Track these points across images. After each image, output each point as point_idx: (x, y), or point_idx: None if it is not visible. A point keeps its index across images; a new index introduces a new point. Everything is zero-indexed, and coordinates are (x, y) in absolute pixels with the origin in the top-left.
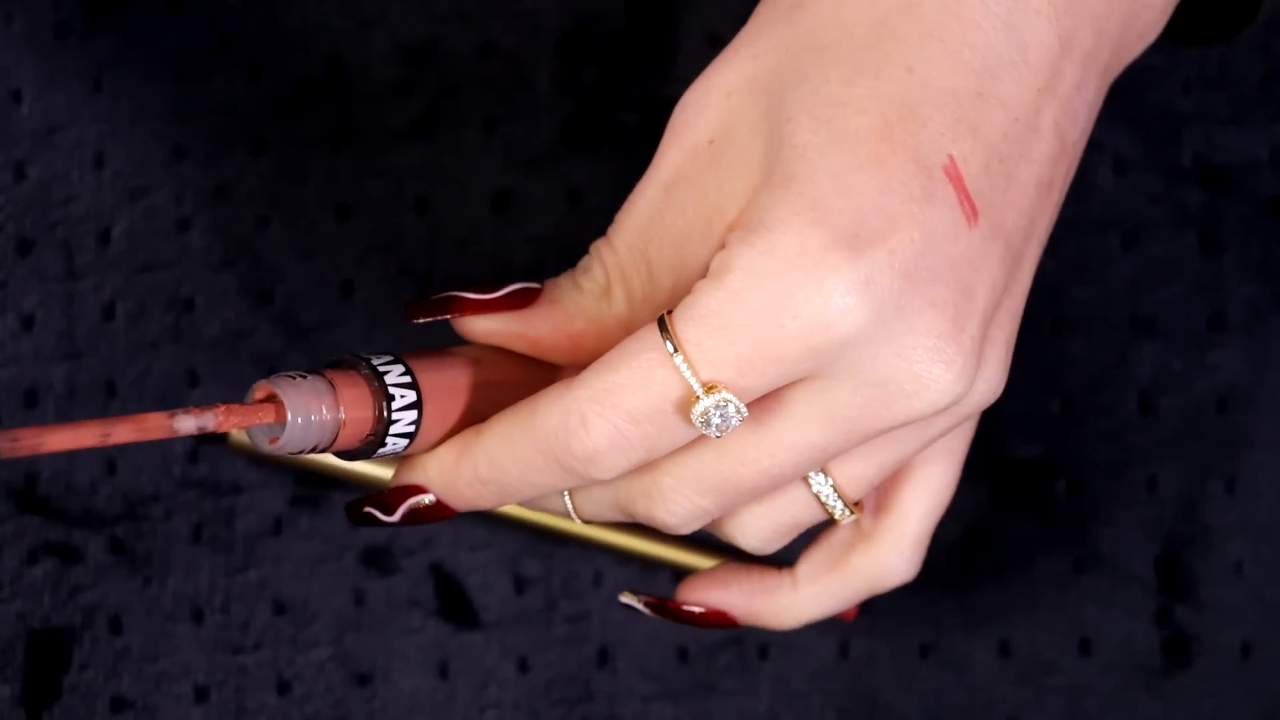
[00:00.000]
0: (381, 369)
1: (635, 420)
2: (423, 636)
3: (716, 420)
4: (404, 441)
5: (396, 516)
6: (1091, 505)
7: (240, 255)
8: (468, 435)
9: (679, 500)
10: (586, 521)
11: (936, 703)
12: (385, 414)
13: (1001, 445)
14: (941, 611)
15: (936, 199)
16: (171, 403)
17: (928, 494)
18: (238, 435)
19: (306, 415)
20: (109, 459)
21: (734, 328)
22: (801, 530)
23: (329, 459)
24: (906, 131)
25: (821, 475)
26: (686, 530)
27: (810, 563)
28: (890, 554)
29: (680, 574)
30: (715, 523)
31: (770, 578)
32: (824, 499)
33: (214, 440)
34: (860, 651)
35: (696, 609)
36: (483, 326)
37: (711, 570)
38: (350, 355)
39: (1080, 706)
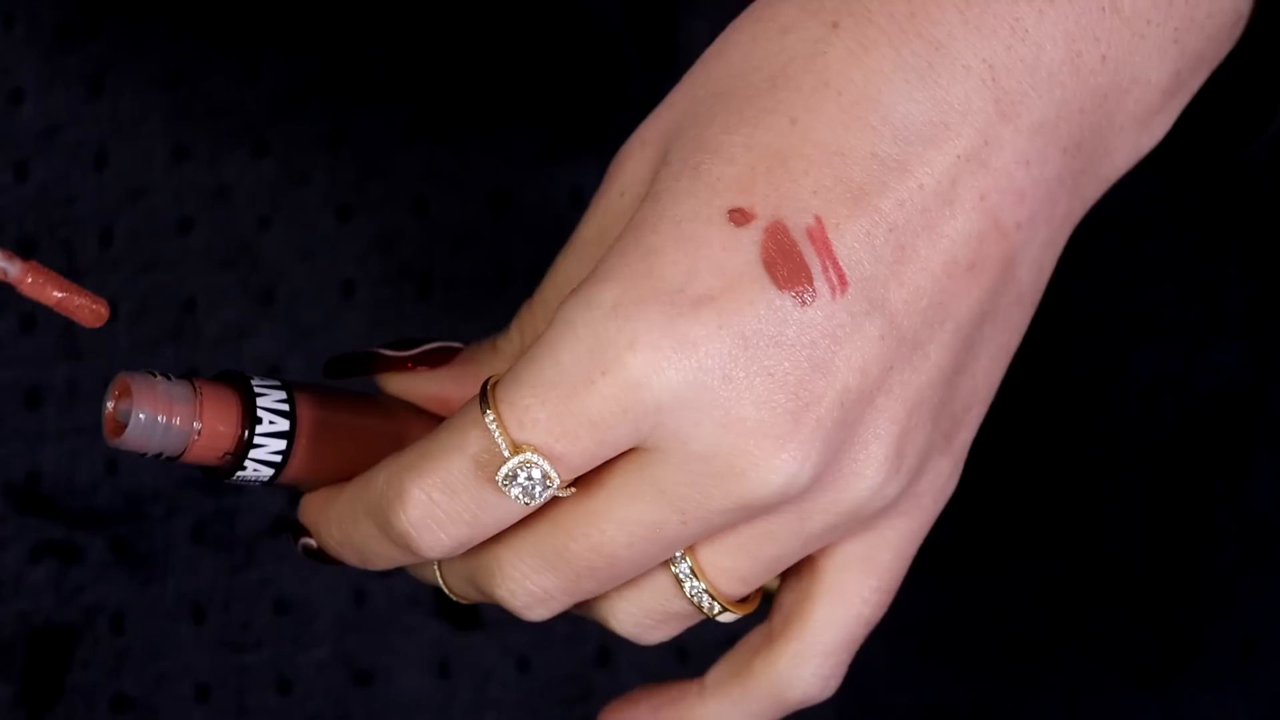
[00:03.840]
0: (259, 390)
1: (449, 490)
2: (423, 636)
3: (524, 482)
4: (269, 470)
5: (299, 549)
6: (1091, 505)
7: (241, 255)
8: (334, 490)
9: (516, 577)
10: (459, 598)
11: (936, 703)
12: (247, 435)
13: (1001, 445)
14: (941, 611)
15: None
16: None
17: (838, 603)
18: None
19: (153, 416)
20: (111, 459)
21: (546, 384)
22: (681, 622)
23: None
24: (771, 185)
25: (686, 564)
26: (535, 615)
27: (719, 669)
28: (792, 664)
29: None
30: (584, 606)
31: (680, 687)
32: (688, 590)
33: None
34: (860, 651)
35: None
36: (394, 384)
37: (632, 691)
38: (236, 371)
39: (1080, 706)
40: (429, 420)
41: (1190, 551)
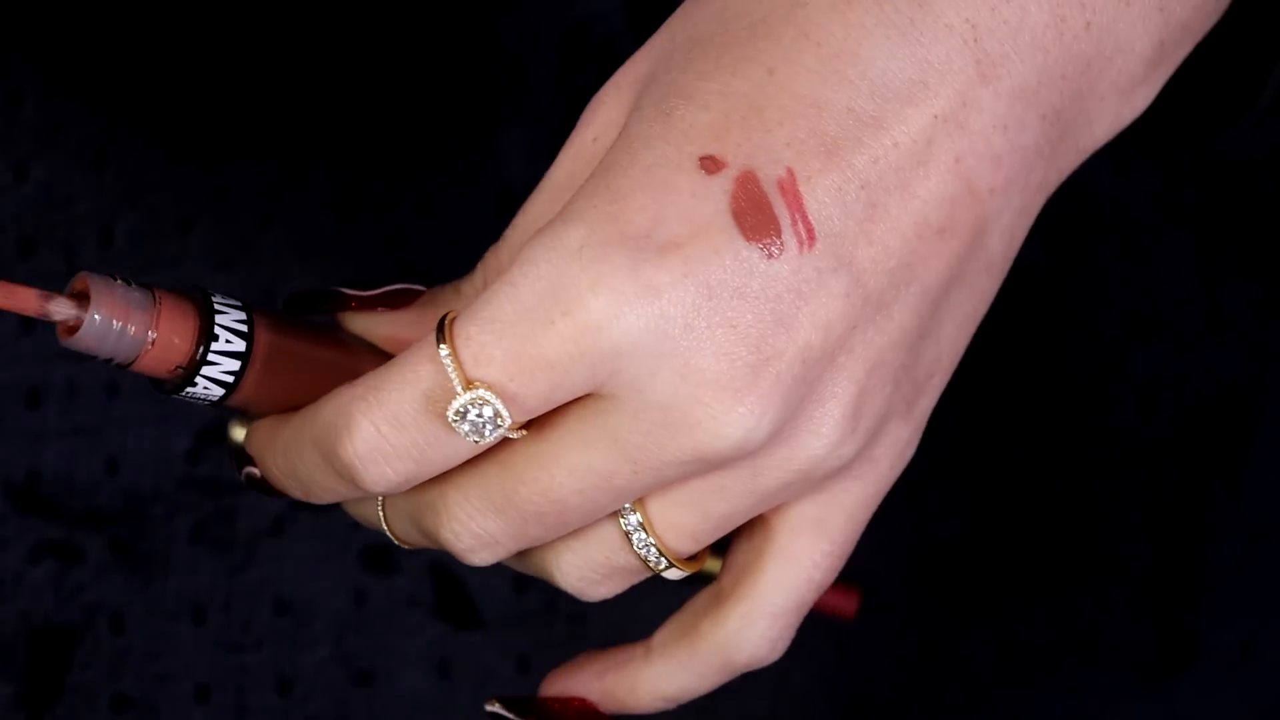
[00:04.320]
0: (220, 308)
1: (398, 423)
2: (423, 636)
3: (474, 420)
4: (218, 390)
5: (242, 478)
6: (1091, 505)
7: (241, 255)
8: (282, 418)
9: (461, 519)
10: (401, 542)
11: (936, 703)
12: (200, 350)
13: (1001, 445)
14: (941, 611)
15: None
16: (168, 405)
17: (789, 565)
18: (240, 436)
19: (109, 319)
20: (111, 459)
21: (504, 322)
22: (627, 577)
23: None
24: (744, 134)
25: (635, 517)
26: (479, 560)
27: (665, 631)
28: (740, 624)
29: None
30: (528, 557)
31: (625, 651)
32: (636, 544)
33: (216, 441)
34: (860, 651)
35: (558, 702)
36: (355, 323)
37: (576, 657)
38: (198, 287)
39: (1080, 706)
40: (386, 360)
41: (1190, 551)
